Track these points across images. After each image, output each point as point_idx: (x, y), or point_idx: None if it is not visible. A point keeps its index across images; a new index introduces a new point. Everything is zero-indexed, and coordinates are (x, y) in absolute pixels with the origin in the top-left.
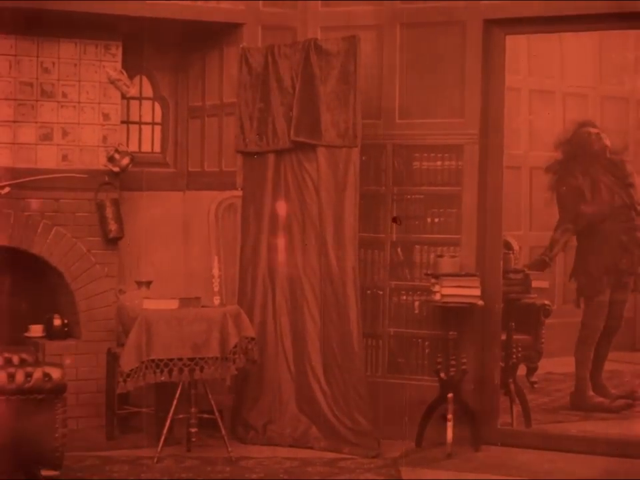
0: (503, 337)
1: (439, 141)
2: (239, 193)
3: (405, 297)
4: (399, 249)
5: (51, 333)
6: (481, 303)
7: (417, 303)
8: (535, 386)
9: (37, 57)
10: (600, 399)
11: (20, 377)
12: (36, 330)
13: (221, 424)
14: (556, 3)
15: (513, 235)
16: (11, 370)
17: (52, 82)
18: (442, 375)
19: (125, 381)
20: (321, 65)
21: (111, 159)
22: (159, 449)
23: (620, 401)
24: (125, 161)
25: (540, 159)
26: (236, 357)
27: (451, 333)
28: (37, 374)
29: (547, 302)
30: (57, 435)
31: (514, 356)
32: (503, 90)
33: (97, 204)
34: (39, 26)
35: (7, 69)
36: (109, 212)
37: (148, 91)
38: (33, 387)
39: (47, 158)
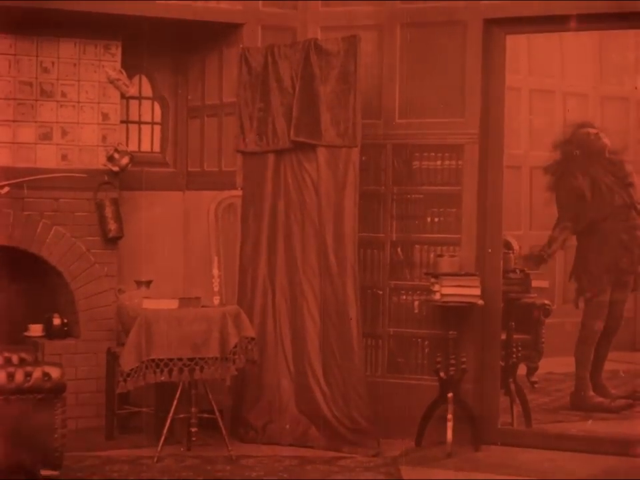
0: (503, 336)
1: (438, 140)
2: (239, 192)
3: (404, 297)
4: (398, 249)
5: (51, 333)
6: (480, 302)
7: (416, 303)
8: (535, 386)
9: (37, 56)
10: (600, 399)
11: (19, 376)
12: (35, 329)
13: (221, 424)
14: (556, 2)
15: (512, 235)
16: (11, 369)
17: (51, 81)
18: (442, 374)
19: (124, 381)
20: (321, 64)
21: (110, 159)
22: (159, 448)
23: (620, 401)
24: (125, 160)
25: (540, 158)
26: (236, 357)
27: (450, 332)
28: (37, 373)
29: (547, 301)
30: (56, 435)
31: (514, 355)
32: (503, 89)
33: (96, 203)
34: (38, 25)
35: (6, 68)
36: (109, 211)
37: (147, 90)
38: (33, 386)
39: (47, 157)
